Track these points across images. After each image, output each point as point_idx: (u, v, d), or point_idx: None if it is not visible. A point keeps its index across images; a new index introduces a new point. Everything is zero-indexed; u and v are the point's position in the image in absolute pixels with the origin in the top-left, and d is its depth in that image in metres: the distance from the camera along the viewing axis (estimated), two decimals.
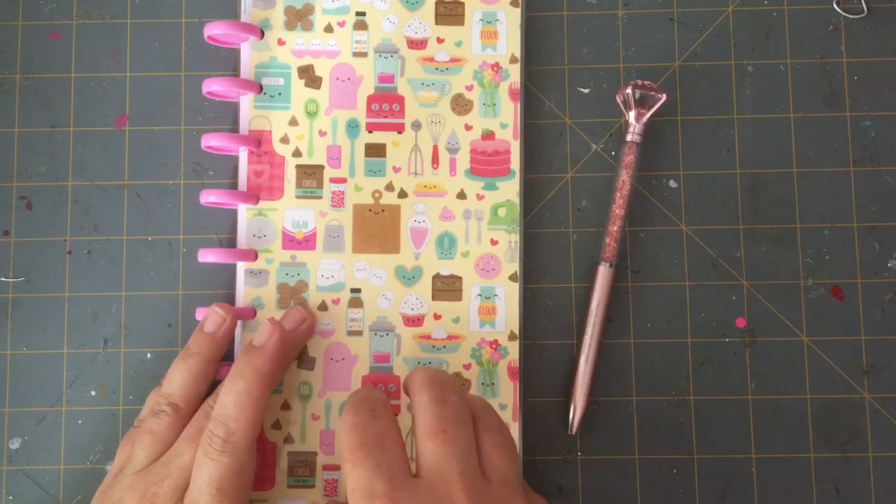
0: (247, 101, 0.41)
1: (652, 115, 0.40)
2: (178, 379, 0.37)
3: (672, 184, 0.42)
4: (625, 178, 0.40)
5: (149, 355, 0.41)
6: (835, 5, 0.42)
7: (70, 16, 0.43)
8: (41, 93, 0.42)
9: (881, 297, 0.41)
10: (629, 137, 0.40)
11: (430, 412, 0.32)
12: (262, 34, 0.41)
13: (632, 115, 0.40)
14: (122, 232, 0.41)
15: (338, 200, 0.40)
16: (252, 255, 0.40)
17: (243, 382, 0.35)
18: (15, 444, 0.40)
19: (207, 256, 0.39)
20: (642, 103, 0.40)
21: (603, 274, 0.40)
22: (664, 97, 0.40)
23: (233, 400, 0.35)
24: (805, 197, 0.41)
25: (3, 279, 0.41)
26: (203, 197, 0.39)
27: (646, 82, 0.40)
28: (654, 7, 0.42)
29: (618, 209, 0.40)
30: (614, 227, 0.40)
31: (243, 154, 0.41)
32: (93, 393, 0.41)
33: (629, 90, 0.40)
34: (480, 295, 0.40)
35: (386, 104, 0.41)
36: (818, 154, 0.41)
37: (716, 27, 0.42)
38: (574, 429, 0.40)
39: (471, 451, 0.32)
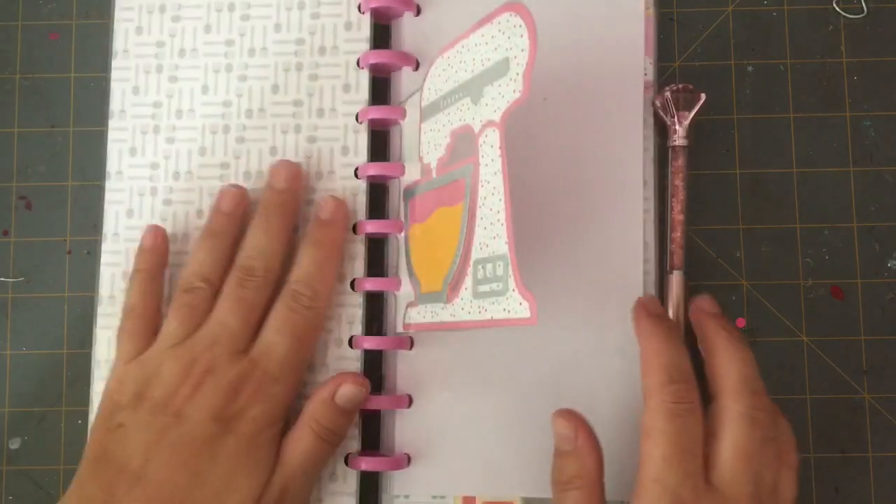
0: None
1: (695, 115, 0.39)
2: (206, 257, 0.37)
3: None
4: (677, 183, 0.40)
5: None
6: (835, 5, 0.42)
7: (70, 16, 0.43)
8: (41, 93, 0.42)
9: (881, 297, 0.40)
10: (676, 142, 0.40)
11: (743, 432, 0.33)
12: None
13: (674, 120, 0.39)
14: None
15: None
16: None
17: (322, 251, 0.37)
18: (15, 444, 0.40)
19: None
20: (685, 105, 0.39)
21: (677, 281, 0.39)
22: (703, 97, 0.39)
23: (315, 264, 0.37)
24: (805, 197, 0.41)
25: (3, 279, 0.41)
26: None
27: (681, 85, 0.39)
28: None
29: (677, 215, 0.40)
30: (677, 234, 0.40)
31: None
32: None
33: (668, 94, 0.39)
34: None
35: None
36: (818, 154, 0.41)
37: (716, 27, 0.42)
38: None
39: (763, 474, 0.33)
